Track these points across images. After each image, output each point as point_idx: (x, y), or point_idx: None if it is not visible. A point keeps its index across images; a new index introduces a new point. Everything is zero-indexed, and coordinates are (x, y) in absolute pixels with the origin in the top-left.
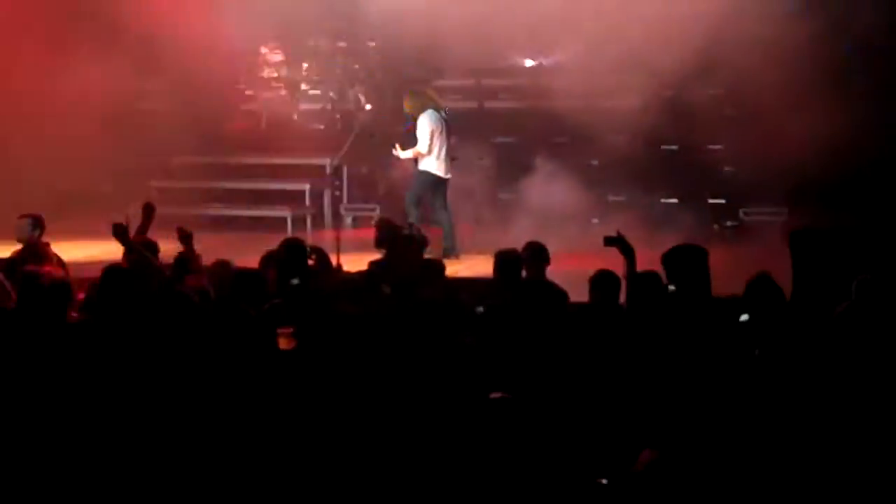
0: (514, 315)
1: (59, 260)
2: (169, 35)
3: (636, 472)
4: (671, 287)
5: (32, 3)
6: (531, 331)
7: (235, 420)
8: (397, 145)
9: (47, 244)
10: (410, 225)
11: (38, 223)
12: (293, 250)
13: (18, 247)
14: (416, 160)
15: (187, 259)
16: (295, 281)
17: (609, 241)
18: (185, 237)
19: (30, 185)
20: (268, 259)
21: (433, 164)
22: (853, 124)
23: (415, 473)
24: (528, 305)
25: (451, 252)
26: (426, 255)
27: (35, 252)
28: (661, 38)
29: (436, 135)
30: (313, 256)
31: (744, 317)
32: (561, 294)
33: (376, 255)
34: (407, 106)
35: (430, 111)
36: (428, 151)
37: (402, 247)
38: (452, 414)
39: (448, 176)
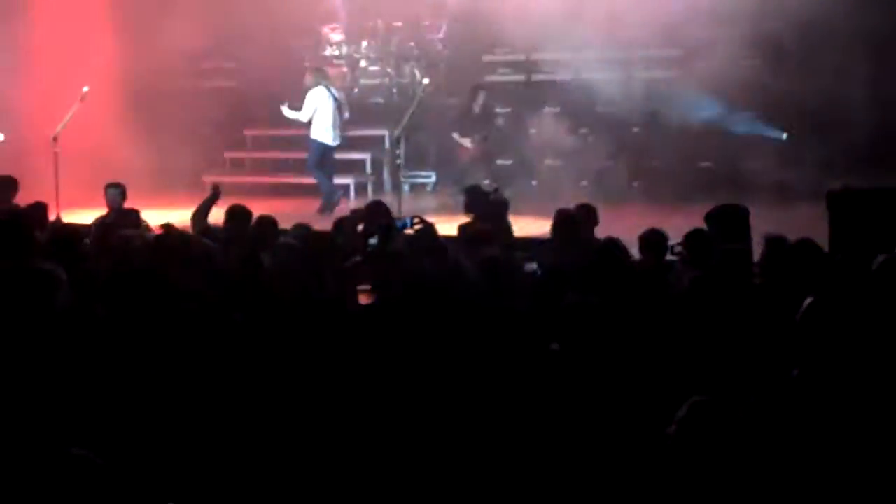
0: (583, 275)
1: (148, 226)
2: (241, 16)
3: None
4: (678, 248)
5: None
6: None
7: (310, 377)
8: (285, 105)
9: (137, 211)
10: (495, 189)
11: (124, 192)
12: (375, 211)
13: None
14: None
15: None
16: (373, 241)
17: None
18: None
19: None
20: (339, 222)
21: (321, 133)
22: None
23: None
24: (597, 265)
25: (327, 209)
26: None
27: (127, 218)
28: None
29: (320, 108)
30: (417, 220)
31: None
32: (624, 252)
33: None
34: (307, 81)
35: (318, 87)
36: (308, 121)
37: (490, 210)
38: (517, 364)
39: (336, 143)
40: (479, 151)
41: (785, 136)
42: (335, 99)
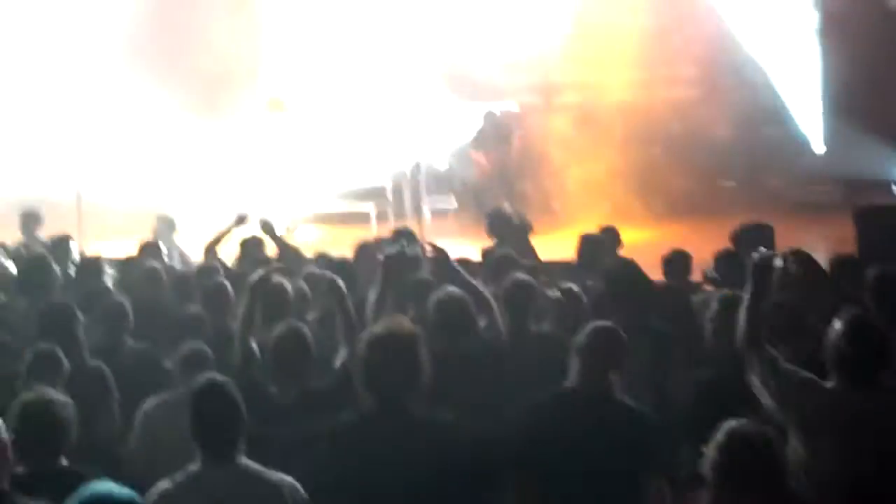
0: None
1: None
2: None
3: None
4: (713, 275)
5: None
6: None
7: None
8: None
9: None
10: (518, 213)
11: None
12: (400, 237)
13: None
14: None
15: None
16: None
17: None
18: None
19: None
20: (361, 248)
21: None
22: None
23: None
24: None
25: None
26: None
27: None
28: None
29: None
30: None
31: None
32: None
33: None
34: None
35: None
36: None
37: (514, 234)
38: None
39: None
40: (495, 167)
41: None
42: None
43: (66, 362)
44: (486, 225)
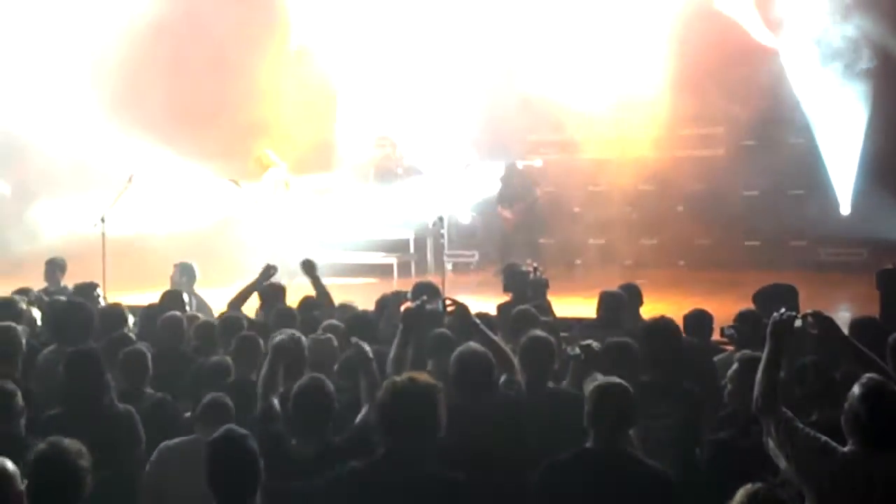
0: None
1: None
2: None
3: None
4: (731, 332)
5: None
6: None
7: None
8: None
9: None
10: (535, 269)
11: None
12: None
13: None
14: None
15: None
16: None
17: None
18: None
19: None
20: (382, 301)
21: None
22: None
23: None
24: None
25: None
26: None
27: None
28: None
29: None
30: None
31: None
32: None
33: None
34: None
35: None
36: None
37: (530, 289)
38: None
39: None
40: (521, 220)
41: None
42: None
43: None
44: (503, 280)
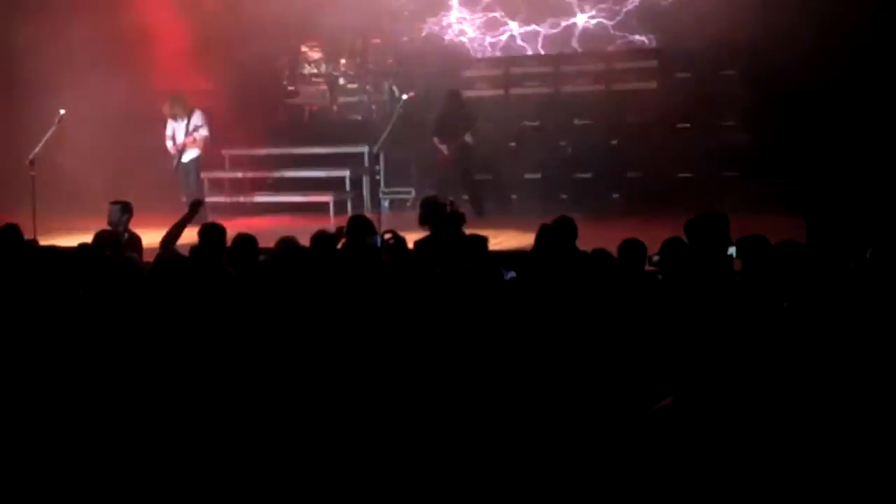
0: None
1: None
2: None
3: (652, 414)
4: (655, 258)
5: None
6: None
7: None
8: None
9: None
10: (451, 202)
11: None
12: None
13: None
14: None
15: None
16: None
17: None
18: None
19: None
20: (318, 237)
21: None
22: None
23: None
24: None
25: None
26: None
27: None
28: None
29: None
30: (389, 235)
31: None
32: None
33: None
34: (174, 110)
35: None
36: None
37: (446, 224)
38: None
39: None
40: (457, 156)
41: None
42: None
43: None
44: (419, 213)
